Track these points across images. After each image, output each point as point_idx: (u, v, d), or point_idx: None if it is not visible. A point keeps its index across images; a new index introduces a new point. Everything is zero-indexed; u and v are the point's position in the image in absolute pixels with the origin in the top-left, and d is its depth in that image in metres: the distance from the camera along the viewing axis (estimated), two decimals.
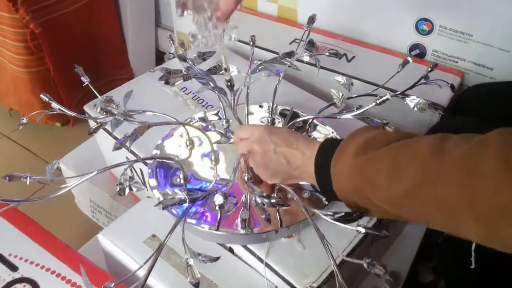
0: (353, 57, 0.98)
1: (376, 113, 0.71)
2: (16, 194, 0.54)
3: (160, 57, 1.67)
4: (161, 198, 0.62)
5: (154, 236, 0.65)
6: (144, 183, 0.75)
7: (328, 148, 0.52)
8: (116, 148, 0.56)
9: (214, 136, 0.73)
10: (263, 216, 0.52)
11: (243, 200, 0.60)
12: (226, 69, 0.56)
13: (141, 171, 0.80)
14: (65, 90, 1.36)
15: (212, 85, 0.59)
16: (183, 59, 0.65)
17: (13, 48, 1.26)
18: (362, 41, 1.03)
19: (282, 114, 0.78)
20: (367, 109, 0.59)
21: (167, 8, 1.50)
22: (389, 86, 0.70)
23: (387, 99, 0.57)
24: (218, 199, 0.50)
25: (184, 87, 0.90)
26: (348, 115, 0.60)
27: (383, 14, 0.99)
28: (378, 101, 0.58)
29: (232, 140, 0.72)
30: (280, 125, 0.75)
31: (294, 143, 0.55)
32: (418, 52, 0.97)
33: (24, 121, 0.61)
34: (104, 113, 0.58)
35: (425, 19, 0.94)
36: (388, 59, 0.97)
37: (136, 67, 1.60)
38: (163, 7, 1.56)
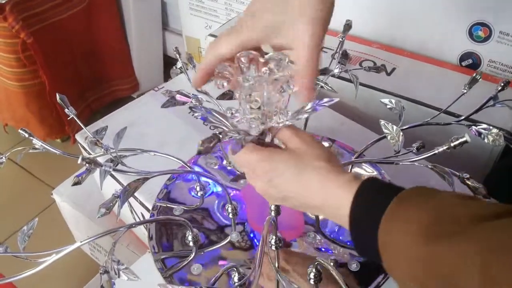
0: (394, 69, 0.82)
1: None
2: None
3: (168, 63, 1.53)
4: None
5: None
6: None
7: (373, 195, 0.35)
8: (101, 214, 0.42)
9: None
10: None
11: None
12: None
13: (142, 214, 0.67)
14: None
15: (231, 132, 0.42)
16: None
17: (5, 60, 1.13)
18: (402, 49, 0.87)
19: None
20: (436, 153, 0.45)
21: (175, 10, 1.35)
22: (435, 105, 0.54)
23: (466, 141, 0.43)
24: None
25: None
26: (411, 161, 0.46)
27: (428, 17, 0.83)
28: (453, 144, 0.43)
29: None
30: None
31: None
32: (471, 63, 0.82)
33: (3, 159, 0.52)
34: (88, 163, 0.44)
35: (482, 24, 0.78)
36: (435, 71, 0.81)
37: (141, 76, 1.46)
38: (170, 9, 1.41)
